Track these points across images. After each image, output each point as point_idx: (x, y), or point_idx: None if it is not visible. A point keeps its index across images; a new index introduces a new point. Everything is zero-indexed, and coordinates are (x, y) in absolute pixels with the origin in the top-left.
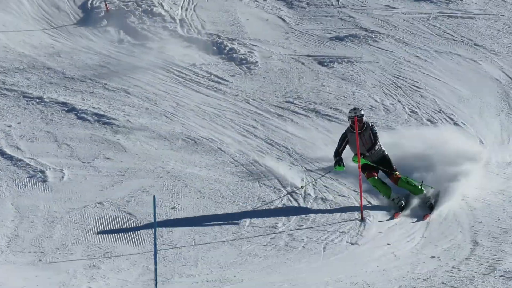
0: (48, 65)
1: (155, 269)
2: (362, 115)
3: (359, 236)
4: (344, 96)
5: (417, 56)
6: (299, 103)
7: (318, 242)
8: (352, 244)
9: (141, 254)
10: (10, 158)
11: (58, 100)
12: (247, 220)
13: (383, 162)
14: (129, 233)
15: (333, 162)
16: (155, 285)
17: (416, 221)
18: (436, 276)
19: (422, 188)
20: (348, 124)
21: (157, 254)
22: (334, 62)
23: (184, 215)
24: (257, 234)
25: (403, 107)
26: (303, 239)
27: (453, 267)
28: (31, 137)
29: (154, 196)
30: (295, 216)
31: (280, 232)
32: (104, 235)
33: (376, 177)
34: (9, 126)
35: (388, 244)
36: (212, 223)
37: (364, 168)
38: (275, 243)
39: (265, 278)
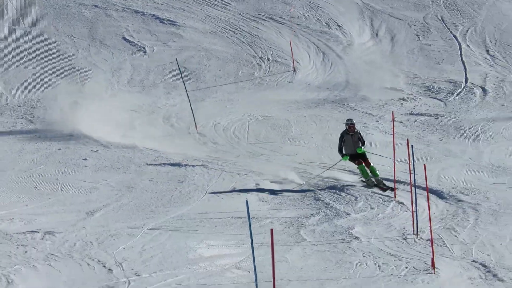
0: None
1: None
2: (354, 123)
3: None
4: None
5: None
6: None
7: None
8: None
9: None
10: None
11: None
12: None
13: (362, 155)
14: None
15: (340, 156)
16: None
17: None
18: None
19: (378, 173)
20: (344, 128)
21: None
22: None
23: None
24: None
25: None
26: None
27: None
28: None
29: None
30: None
31: None
32: None
33: (363, 165)
34: None
35: None
36: None
37: (353, 158)
38: None
39: None
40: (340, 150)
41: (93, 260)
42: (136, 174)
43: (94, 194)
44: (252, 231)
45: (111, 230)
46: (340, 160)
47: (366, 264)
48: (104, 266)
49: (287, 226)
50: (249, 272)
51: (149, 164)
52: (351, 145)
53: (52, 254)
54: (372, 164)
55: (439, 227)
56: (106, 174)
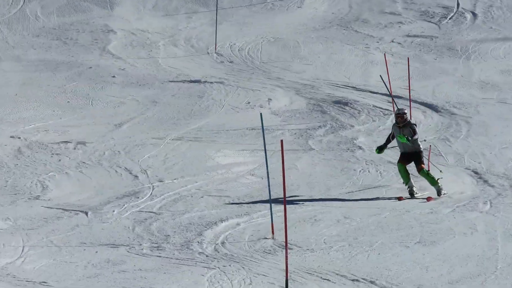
0: None
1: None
2: (405, 113)
3: None
4: None
5: None
6: None
7: None
8: None
9: None
10: None
11: None
12: None
13: (414, 155)
14: None
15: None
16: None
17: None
18: None
19: (438, 181)
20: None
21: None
22: None
23: None
24: None
25: None
26: None
27: None
28: None
29: None
30: None
31: None
32: None
33: (403, 165)
34: None
35: None
36: None
37: (403, 155)
38: None
39: None
40: (386, 140)
41: (120, 167)
42: (159, 90)
43: (122, 108)
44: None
45: (137, 140)
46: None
47: (369, 171)
48: (130, 173)
49: (297, 136)
50: (262, 178)
51: (172, 81)
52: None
53: (83, 162)
54: (424, 169)
55: (434, 138)
56: (133, 90)
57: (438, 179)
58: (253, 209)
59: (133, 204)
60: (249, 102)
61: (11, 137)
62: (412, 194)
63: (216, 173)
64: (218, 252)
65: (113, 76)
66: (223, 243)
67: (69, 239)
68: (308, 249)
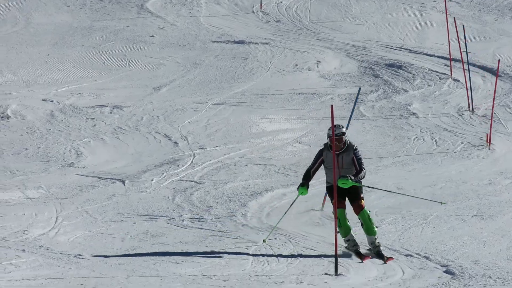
0: None
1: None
2: (343, 134)
3: None
4: None
5: None
6: None
7: None
8: None
9: None
10: None
11: None
12: None
13: (351, 190)
14: None
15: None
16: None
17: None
18: None
19: (375, 230)
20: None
21: None
22: None
23: None
24: None
25: None
26: None
27: None
28: None
29: None
30: None
31: None
32: None
33: (344, 209)
34: None
35: None
36: None
37: (331, 192)
38: None
39: None
40: (305, 175)
41: (159, 133)
42: (201, 51)
43: (161, 70)
44: (313, 107)
45: (177, 104)
46: (296, 198)
47: (423, 140)
48: (170, 140)
49: (347, 102)
50: (310, 146)
51: (214, 41)
52: (336, 171)
53: (120, 128)
54: (365, 209)
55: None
56: (172, 50)
57: (375, 227)
58: (300, 179)
59: (173, 173)
60: (296, 65)
61: (43, 100)
62: (355, 251)
63: (261, 140)
64: (263, 224)
65: (152, 36)
66: (268, 214)
67: (105, 210)
68: (358, 222)
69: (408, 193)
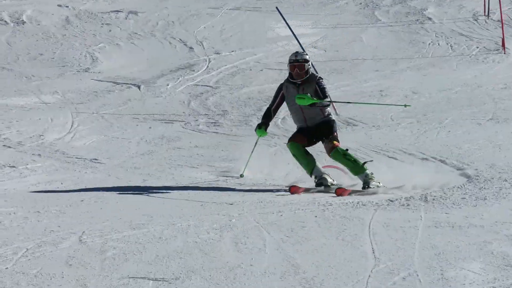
0: None
1: None
2: (306, 61)
3: None
4: None
5: None
6: None
7: None
8: None
9: None
10: None
11: None
12: None
13: (321, 129)
14: None
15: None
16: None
17: None
18: None
19: (365, 166)
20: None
21: None
22: None
23: None
24: None
25: None
26: None
27: None
28: None
29: None
30: None
31: None
32: None
33: (300, 145)
34: None
35: None
36: None
37: (300, 133)
38: None
39: None
40: (264, 114)
41: (174, 39)
42: None
43: None
44: (328, 12)
45: (192, 10)
46: (256, 141)
47: (439, 44)
48: (185, 45)
49: (362, 7)
50: (325, 51)
51: None
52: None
53: (135, 33)
54: (339, 148)
55: (509, 8)
56: None
57: (364, 163)
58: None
59: (188, 78)
60: None
61: (58, 5)
62: (326, 185)
63: (276, 45)
64: (279, 128)
65: None
66: (283, 118)
67: (120, 114)
68: (373, 126)
69: (423, 97)
